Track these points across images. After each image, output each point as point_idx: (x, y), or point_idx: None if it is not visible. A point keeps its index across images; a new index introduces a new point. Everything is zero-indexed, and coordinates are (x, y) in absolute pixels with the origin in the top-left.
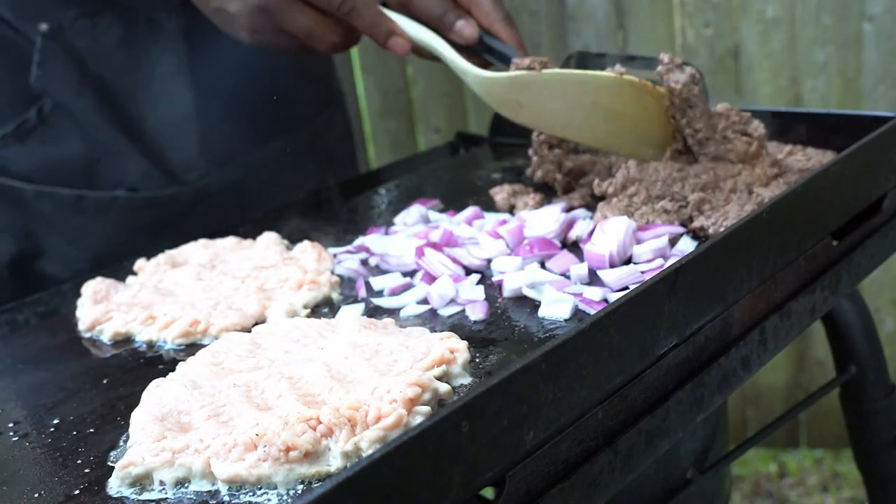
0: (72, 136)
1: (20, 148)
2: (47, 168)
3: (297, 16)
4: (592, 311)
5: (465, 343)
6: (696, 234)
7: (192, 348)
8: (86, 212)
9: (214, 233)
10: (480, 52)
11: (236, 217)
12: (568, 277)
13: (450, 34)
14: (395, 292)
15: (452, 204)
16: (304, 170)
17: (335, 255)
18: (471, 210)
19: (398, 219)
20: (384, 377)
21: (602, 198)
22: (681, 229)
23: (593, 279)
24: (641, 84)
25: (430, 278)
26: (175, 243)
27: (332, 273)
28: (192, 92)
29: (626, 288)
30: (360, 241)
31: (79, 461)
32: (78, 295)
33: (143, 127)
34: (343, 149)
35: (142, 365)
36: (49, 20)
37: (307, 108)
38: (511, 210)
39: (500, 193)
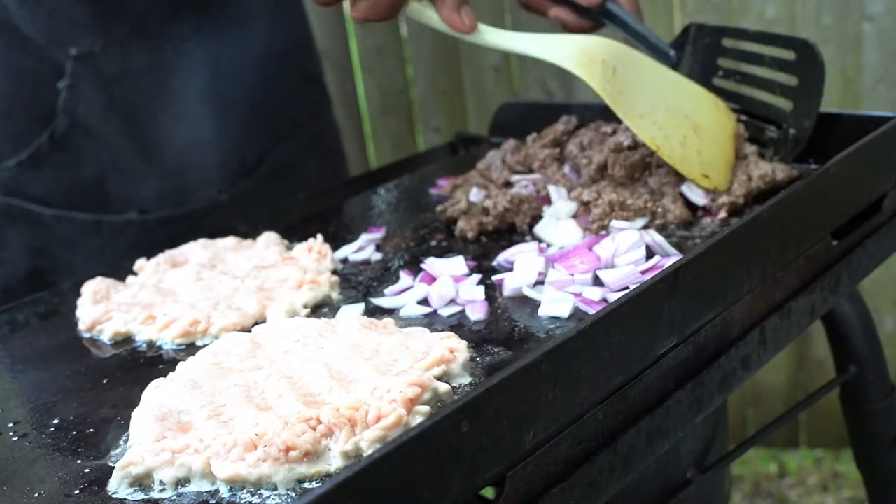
0: (86, 159)
1: (36, 172)
2: (63, 191)
3: None
4: (592, 311)
5: (465, 343)
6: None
7: (192, 348)
8: (103, 234)
9: (214, 233)
10: (598, 16)
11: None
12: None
13: None
14: (396, 292)
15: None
16: (306, 172)
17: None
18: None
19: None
20: (384, 377)
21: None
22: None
23: (593, 279)
24: (722, 105)
25: (430, 278)
26: None
27: (333, 273)
28: (213, 115)
29: (626, 288)
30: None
31: (79, 461)
32: (78, 295)
33: (163, 149)
34: (339, 147)
35: (142, 365)
36: (80, 46)
37: (307, 112)
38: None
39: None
